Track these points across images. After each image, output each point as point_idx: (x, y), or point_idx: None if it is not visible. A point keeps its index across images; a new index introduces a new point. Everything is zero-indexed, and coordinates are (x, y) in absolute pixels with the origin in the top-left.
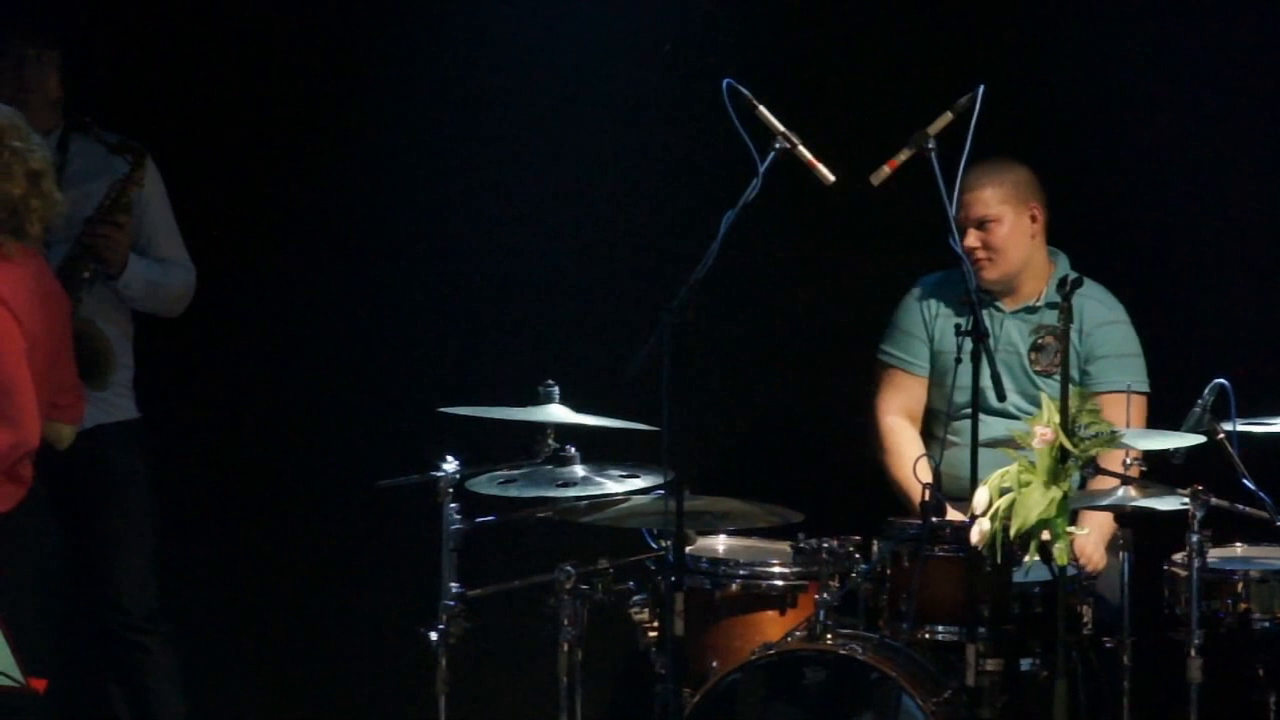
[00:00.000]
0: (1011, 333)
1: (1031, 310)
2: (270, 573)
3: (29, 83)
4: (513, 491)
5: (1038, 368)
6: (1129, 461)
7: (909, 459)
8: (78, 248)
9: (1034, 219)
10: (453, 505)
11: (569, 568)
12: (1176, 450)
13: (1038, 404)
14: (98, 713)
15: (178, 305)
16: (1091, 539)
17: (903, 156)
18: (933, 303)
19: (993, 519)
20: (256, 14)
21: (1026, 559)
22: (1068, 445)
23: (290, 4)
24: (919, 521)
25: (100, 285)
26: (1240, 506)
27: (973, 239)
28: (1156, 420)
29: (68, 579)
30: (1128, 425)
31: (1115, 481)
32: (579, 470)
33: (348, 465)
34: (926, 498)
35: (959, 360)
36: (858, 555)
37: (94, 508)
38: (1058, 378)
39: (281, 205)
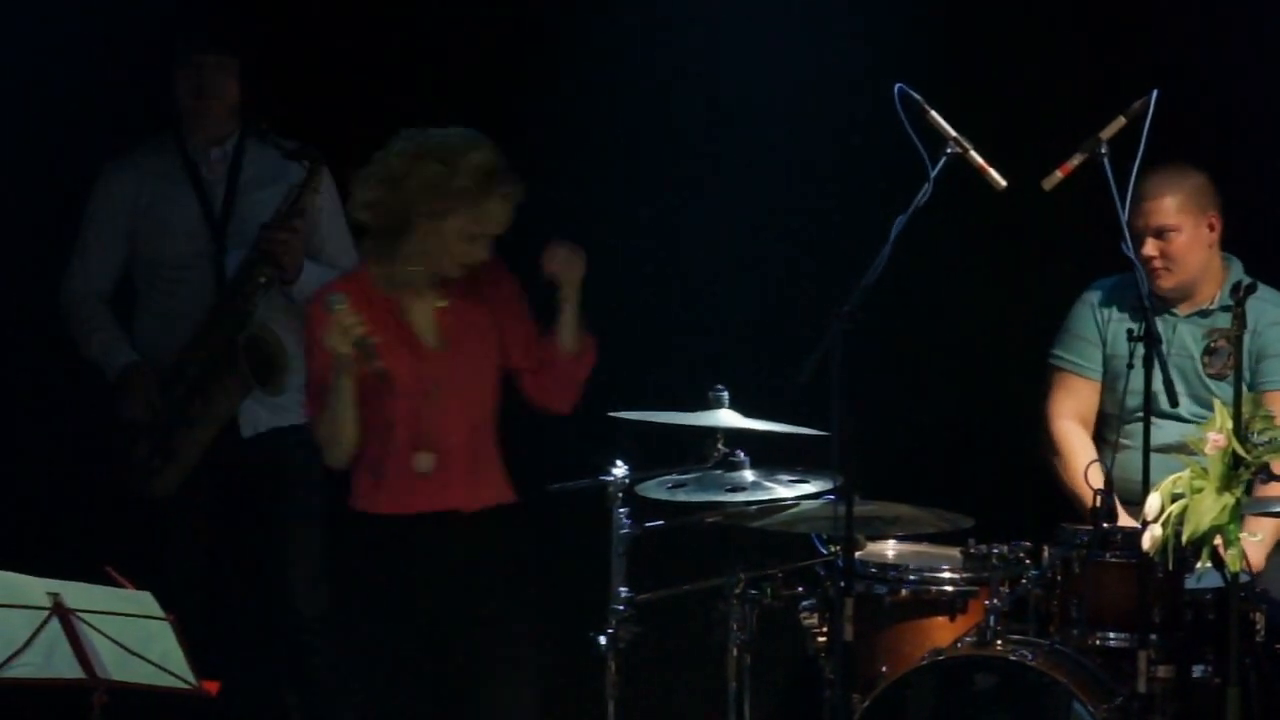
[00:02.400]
0: (1185, 337)
1: (1205, 314)
2: None
3: (208, 89)
4: (682, 496)
5: (1210, 371)
6: None
7: (1081, 463)
8: (254, 253)
9: (1211, 228)
10: (622, 510)
11: (738, 572)
12: None
13: (1210, 408)
14: (272, 714)
15: None
16: (1259, 543)
17: (1075, 161)
18: (1106, 307)
19: (1164, 525)
20: (433, 18)
21: (1199, 565)
22: (1240, 451)
23: (467, 8)
24: (1090, 527)
25: (275, 291)
26: None
27: (1151, 248)
28: None
29: (242, 581)
30: None
31: None
32: (748, 475)
33: (518, 469)
34: (1098, 503)
35: (1131, 365)
36: (1028, 561)
37: (267, 510)
38: (1230, 381)
39: None
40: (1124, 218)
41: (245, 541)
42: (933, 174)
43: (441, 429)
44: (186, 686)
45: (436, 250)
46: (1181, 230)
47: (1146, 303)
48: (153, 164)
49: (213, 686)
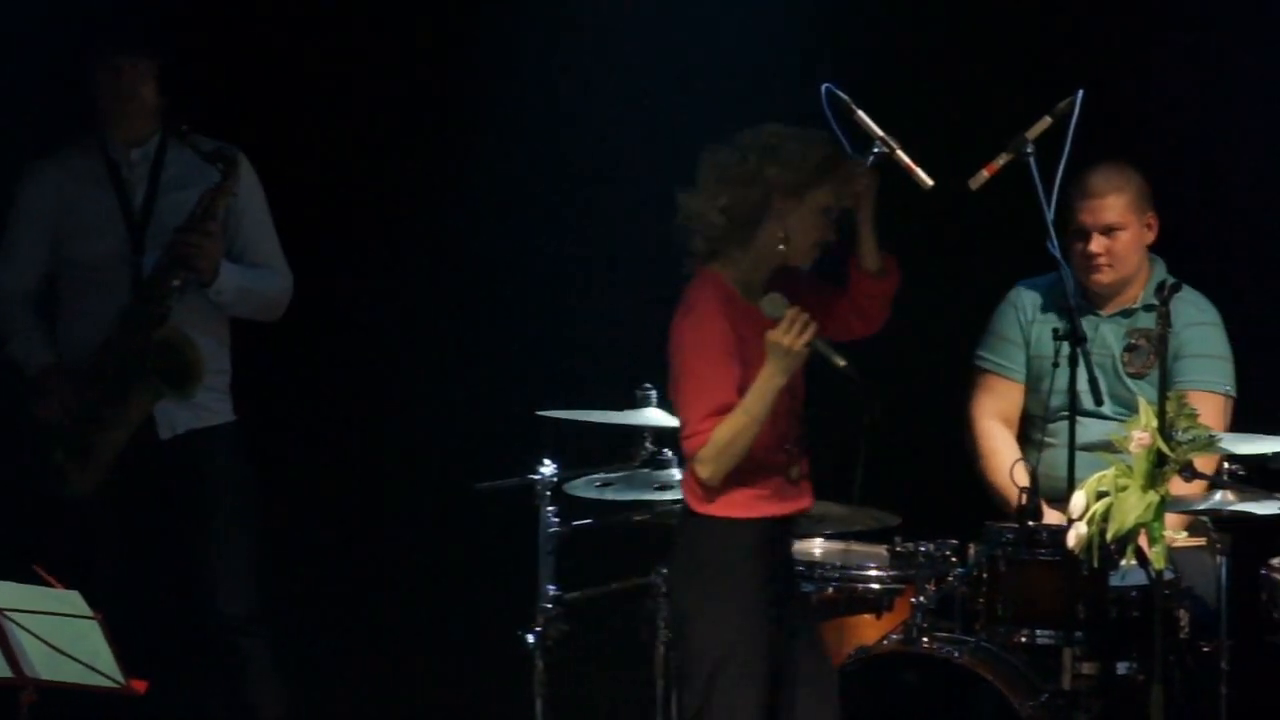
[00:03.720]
0: (1107, 336)
1: (1128, 314)
2: (369, 574)
3: (125, 92)
4: (610, 495)
5: (1130, 370)
6: None
7: (1006, 462)
8: (167, 256)
9: (1150, 227)
10: (550, 508)
11: (665, 570)
12: (1275, 454)
13: (1129, 405)
14: (197, 714)
15: (274, 311)
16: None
17: (1001, 161)
18: (1030, 308)
19: (1089, 523)
20: (349, 22)
21: (1123, 563)
22: (1165, 450)
23: (382, 12)
24: (1016, 525)
25: (194, 292)
26: None
27: (1097, 245)
28: (1256, 425)
29: (168, 581)
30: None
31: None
32: (676, 473)
33: (447, 468)
34: (1023, 502)
35: (1056, 365)
36: (954, 559)
37: (191, 511)
38: (1149, 379)
39: (378, 209)
40: (1050, 216)
41: (170, 541)
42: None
43: (798, 426)
44: (115, 685)
45: (794, 232)
46: (1127, 229)
47: (1072, 302)
48: (75, 164)
49: (140, 685)
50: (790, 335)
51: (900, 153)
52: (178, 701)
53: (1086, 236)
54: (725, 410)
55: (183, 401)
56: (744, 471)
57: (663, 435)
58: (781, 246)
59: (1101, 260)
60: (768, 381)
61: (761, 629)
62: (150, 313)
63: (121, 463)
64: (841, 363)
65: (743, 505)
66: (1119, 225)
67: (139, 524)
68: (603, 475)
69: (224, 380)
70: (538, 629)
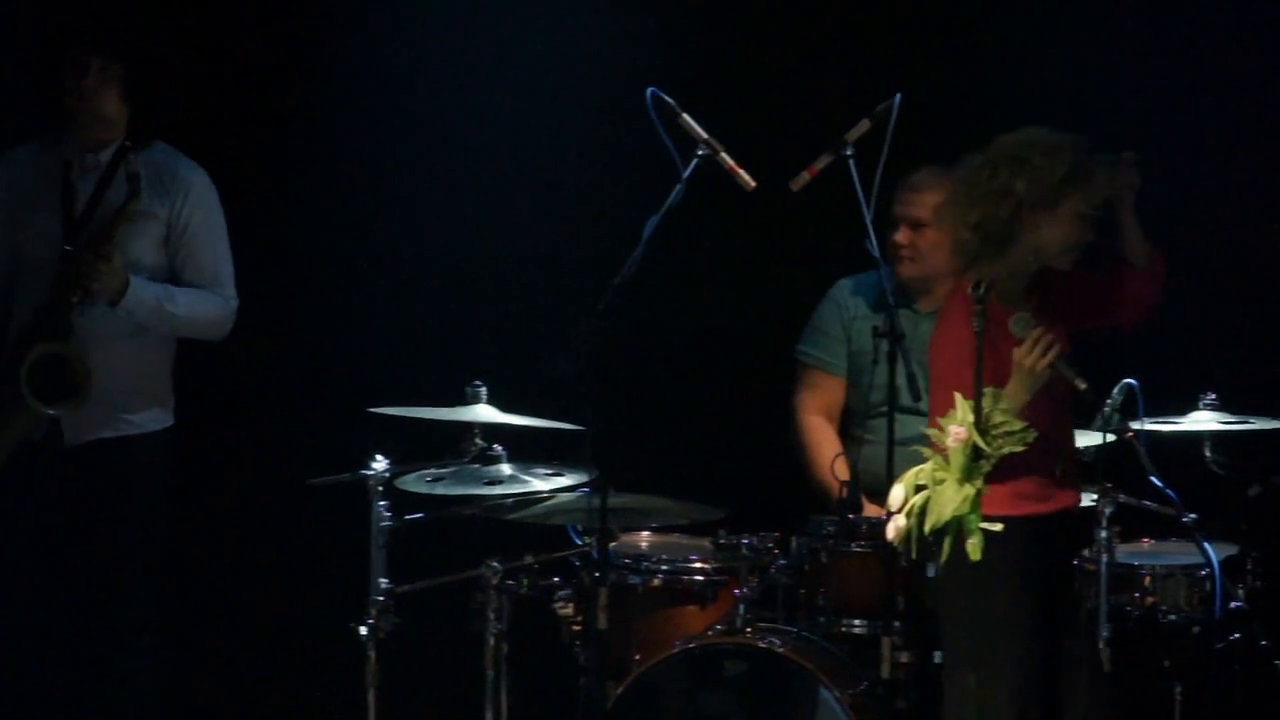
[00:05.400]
0: (926, 333)
1: None
2: (202, 569)
3: (86, 93)
4: (441, 489)
5: None
6: None
7: (827, 457)
8: (65, 274)
9: None
10: (382, 503)
11: (495, 563)
12: (1086, 449)
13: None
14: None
15: (210, 332)
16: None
17: (822, 163)
18: (850, 304)
19: (908, 515)
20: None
21: (941, 555)
22: (980, 444)
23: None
24: (836, 518)
25: (100, 308)
26: (1148, 503)
27: (903, 236)
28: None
29: (59, 588)
30: None
31: None
32: (506, 469)
33: (279, 464)
34: (844, 495)
35: (876, 361)
36: (777, 551)
37: (91, 518)
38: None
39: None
40: (869, 216)
41: (67, 549)
42: (685, 175)
43: (1064, 427)
44: None
45: (1049, 241)
46: (932, 226)
47: (891, 299)
48: (36, 161)
49: None
50: (1033, 356)
51: (724, 155)
52: (59, 702)
53: (897, 227)
54: None
55: (98, 409)
56: (1006, 470)
57: (493, 431)
58: (1034, 257)
59: (905, 252)
60: (1012, 399)
61: (1025, 623)
62: (49, 326)
63: (24, 466)
64: (1082, 385)
65: (1005, 503)
66: (925, 221)
67: (34, 527)
68: (433, 470)
69: (149, 394)
70: (370, 621)
